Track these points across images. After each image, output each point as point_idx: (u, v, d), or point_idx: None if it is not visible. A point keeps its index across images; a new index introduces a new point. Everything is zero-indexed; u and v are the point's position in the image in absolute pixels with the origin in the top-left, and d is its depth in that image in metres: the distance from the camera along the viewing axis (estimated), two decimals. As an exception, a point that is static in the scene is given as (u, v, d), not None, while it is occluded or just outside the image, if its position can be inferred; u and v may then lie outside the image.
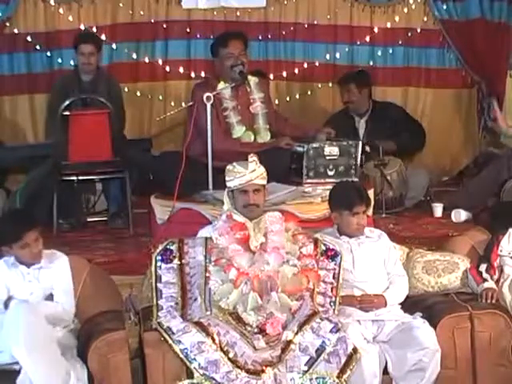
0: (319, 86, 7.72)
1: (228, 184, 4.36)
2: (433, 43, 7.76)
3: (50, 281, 4.28)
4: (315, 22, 7.64)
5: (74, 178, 6.10)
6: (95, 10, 7.32)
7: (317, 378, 3.99)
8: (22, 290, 4.23)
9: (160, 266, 4.27)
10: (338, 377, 4.00)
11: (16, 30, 7.17)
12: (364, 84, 7.01)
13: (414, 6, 7.71)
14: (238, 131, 5.70)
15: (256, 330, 4.08)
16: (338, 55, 7.67)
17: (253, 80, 5.79)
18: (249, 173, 4.29)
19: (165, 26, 7.47)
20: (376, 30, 7.68)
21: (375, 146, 6.48)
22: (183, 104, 6.26)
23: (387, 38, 7.72)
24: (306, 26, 7.63)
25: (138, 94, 7.45)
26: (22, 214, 4.52)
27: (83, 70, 6.43)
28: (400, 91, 7.76)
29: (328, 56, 7.67)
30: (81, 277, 4.51)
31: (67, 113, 5.97)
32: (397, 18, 7.70)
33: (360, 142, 5.73)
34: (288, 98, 7.68)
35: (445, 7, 7.62)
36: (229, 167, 4.36)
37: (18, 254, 4.26)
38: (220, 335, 3.98)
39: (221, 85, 5.69)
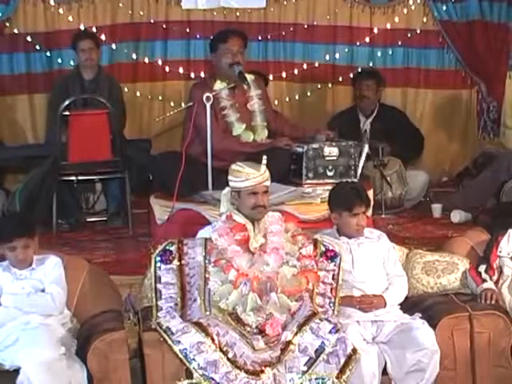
0: (319, 86, 7.73)
1: (236, 185, 4.25)
2: (432, 44, 7.78)
3: (41, 277, 4.27)
4: (315, 23, 7.65)
5: (74, 177, 6.11)
6: (95, 10, 7.33)
7: (316, 379, 3.97)
8: (14, 286, 4.22)
9: (159, 267, 4.25)
10: (337, 377, 3.98)
11: (16, 30, 7.19)
12: (382, 83, 7.03)
13: (413, 7, 7.72)
14: (238, 129, 5.67)
15: (255, 331, 4.08)
16: (337, 56, 7.69)
17: (249, 77, 5.76)
18: (261, 174, 4.24)
19: (164, 26, 7.48)
20: (376, 30, 7.70)
21: (374, 147, 6.49)
22: (183, 104, 6.25)
23: (387, 38, 7.73)
24: (306, 26, 7.64)
25: (138, 94, 7.46)
26: (20, 219, 4.49)
27: (85, 66, 6.44)
28: (399, 92, 7.77)
29: (328, 57, 7.68)
30: (80, 277, 4.50)
31: (67, 113, 5.98)
32: (396, 19, 7.71)
33: (366, 145, 5.76)
34: (287, 99, 7.69)
35: (444, 8, 7.63)
36: (237, 168, 4.26)
37: (6, 254, 4.26)
38: (219, 335, 3.97)
39: (218, 84, 5.68)
